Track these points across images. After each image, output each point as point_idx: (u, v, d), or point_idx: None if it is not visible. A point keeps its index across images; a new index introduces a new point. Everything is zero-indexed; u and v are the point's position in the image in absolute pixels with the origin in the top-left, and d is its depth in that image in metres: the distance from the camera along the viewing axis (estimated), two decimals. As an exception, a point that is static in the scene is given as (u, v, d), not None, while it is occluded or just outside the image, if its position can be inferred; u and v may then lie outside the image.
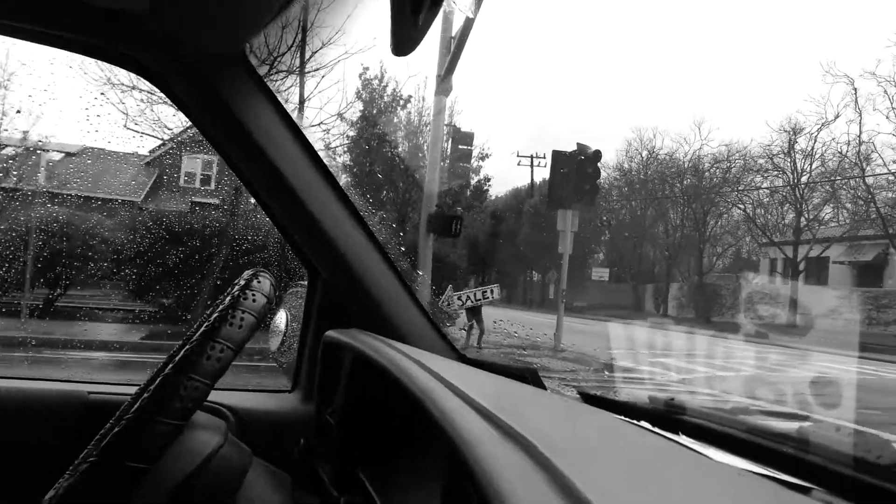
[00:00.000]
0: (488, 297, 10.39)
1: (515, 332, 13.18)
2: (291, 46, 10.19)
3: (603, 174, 19.27)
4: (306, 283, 1.64)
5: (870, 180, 24.08)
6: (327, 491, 1.26)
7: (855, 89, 24.02)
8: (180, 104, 1.38)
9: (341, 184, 1.47)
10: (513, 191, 38.08)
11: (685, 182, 31.51)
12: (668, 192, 32.67)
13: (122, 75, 8.94)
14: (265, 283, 0.99)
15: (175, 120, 10.14)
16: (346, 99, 19.96)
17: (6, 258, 8.91)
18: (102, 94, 8.73)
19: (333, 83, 22.79)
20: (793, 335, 18.37)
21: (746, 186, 28.98)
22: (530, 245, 31.67)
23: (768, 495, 0.62)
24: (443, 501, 0.92)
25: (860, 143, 24.24)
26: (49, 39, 1.27)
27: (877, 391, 9.67)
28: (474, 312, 11.22)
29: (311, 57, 11.07)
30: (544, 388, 1.32)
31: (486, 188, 28.57)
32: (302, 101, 11.25)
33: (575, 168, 12.01)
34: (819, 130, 25.99)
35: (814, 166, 26.46)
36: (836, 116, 28.68)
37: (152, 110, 9.78)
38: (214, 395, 1.46)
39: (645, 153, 34.54)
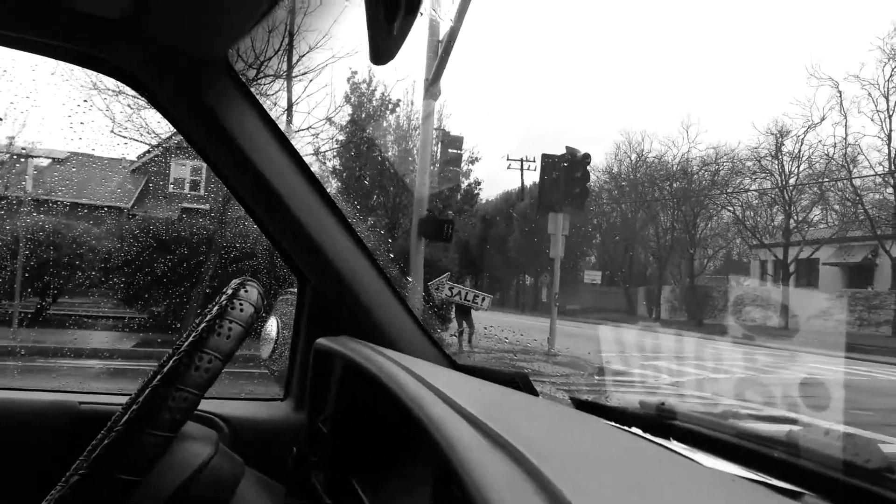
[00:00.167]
0: (477, 303, 10.38)
1: (506, 339, 13.16)
2: (278, 51, 10.17)
3: (592, 177, 19.39)
4: (296, 289, 1.64)
5: (857, 182, 24.30)
6: (321, 499, 1.25)
7: (840, 92, 24.24)
8: (164, 111, 1.37)
9: (331, 189, 1.47)
10: (503, 194, 38.18)
11: (674, 185, 31.64)
12: (657, 194, 32.78)
13: (108, 80, 8.88)
14: (252, 292, 0.99)
15: (162, 125, 10.08)
16: (334, 103, 19.90)
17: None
18: (86, 101, 8.66)
19: (321, 87, 22.75)
20: (784, 337, 18.46)
21: (735, 189, 29.15)
22: (521, 249, 31.70)
23: (759, 501, 0.62)
24: (433, 509, 0.92)
25: (846, 146, 24.47)
26: (31, 46, 1.26)
27: (869, 392, 9.73)
28: (464, 314, 11.20)
29: (298, 61, 11.04)
30: (536, 393, 1.32)
31: (476, 192, 28.68)
32: (290, 106, 11.22)
33: (564, 171, 12.05)
34: (805, 133, 26.22)
35: (801, 168, 26.68)
36: (822, 119, 29.08)
37: (139, 115, 9.72)
38: (206, 405, 1.45)
39: (634, 156, 34.72)
